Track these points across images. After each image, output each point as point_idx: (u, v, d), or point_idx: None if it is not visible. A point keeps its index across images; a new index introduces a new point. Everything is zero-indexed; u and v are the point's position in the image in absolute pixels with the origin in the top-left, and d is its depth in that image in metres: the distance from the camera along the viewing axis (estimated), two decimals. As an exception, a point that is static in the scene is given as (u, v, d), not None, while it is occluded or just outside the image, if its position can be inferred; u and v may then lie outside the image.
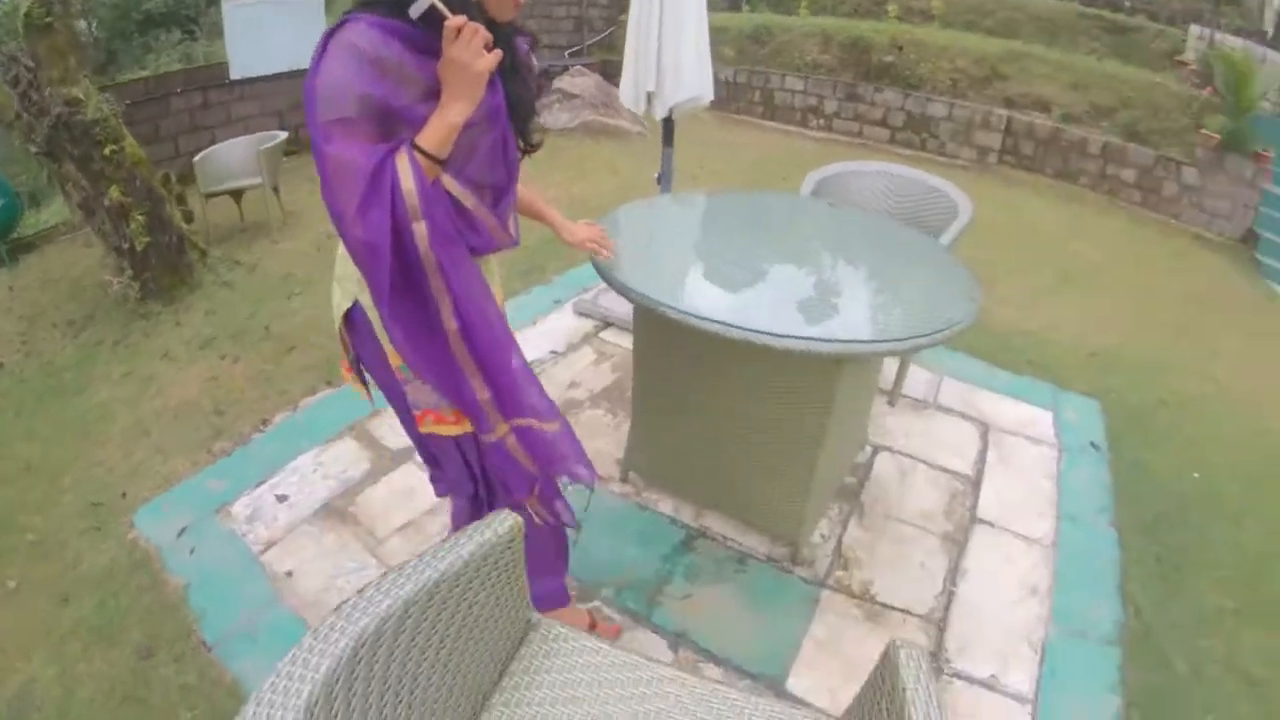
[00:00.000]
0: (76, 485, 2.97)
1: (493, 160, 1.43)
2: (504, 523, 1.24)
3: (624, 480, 2.54)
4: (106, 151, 3.95)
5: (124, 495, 2.83)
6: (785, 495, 2.08)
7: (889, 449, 2.79)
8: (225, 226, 5.66)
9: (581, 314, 3.74)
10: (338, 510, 2.43)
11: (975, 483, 2.66)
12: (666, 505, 2.46)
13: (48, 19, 3.86)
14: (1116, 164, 6.57)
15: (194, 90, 7.04)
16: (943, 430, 2.95)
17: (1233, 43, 7.32)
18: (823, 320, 1.82)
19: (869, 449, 2.77)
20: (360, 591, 1.04)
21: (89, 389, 3.71)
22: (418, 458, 2.54)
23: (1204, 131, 6.17)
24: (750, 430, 2.07)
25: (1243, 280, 5.48)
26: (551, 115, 8.03)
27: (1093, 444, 2.99)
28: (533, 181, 1.92)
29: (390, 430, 2.82)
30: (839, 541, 2.33)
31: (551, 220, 1.89)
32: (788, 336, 1.60)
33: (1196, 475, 2.99)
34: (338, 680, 0.93)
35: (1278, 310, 5.14)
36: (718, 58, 8.33)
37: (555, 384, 3.12)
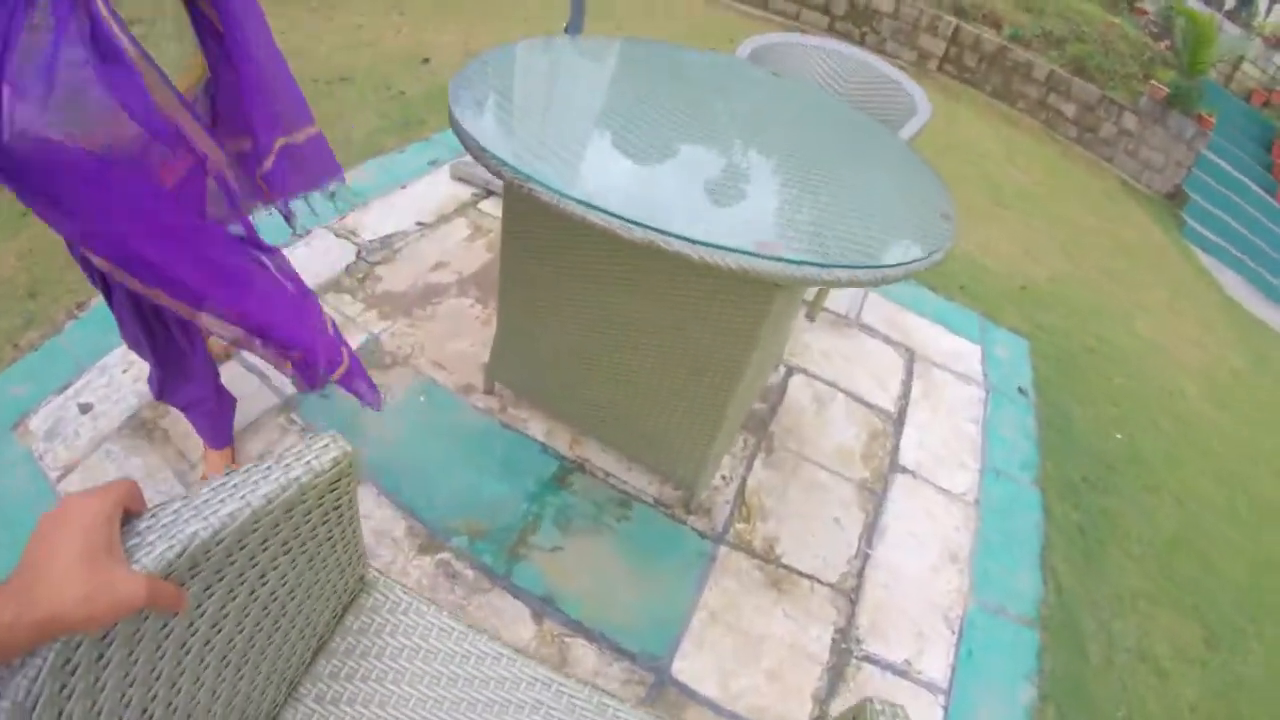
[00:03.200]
0: None
1: None
2: (323, 455, 0.80)
3: (489, 392, 1.98)
4: None
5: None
6: (687, 432, 1.57)
7: (805, 371, 2.35)
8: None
9: (459, 179, 2.99)
10: (146, 424, 1.82)
11: (898, 421, 2.27)
12: (538, 427, 1.93)
13: None
14: (1060, 96, 6.24)
15: None
16: (866, 354, 2.53)
17: (1192, 4, 7.05)
18: (760, 228, 1.26)
19: (782, 369, 2.32)
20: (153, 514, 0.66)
21: None
22: (245, 356, 1.96)
23: (1154, 83, 5.91)
24: (649, 348, 1.52)
25: (1165, 236, 5.34)
26: None
27: (1020, 389, 2.67)
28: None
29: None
30: (742, 484, 1.89)
31: None
32: (714, 246, 1.08)
33: (1119, 436, 2.76)
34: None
35: (1196, 270, 5.05)
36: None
37: (417, 263, 2.48)
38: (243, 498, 0.71)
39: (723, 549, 1.73)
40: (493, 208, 2.82)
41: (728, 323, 1.35)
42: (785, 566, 1.73)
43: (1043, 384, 2.78)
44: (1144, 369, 3.30)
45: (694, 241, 1.07)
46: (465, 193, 2.89)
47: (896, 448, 2.16)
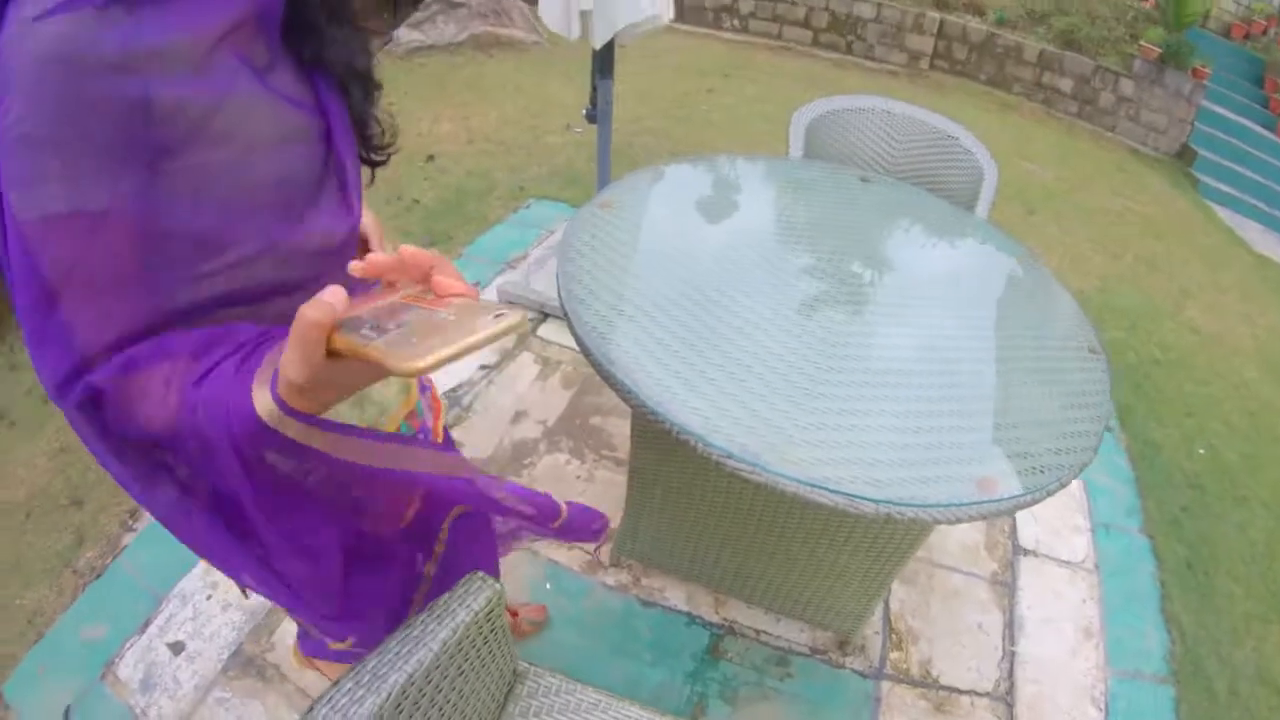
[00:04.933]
0: None
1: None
2: (479, 595, 0.99)
3: (615, 565, 1.99)
4: None
5: (-15, 650, 2.07)
6: (845, 594, 1.65)
7: None
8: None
9: (509, 301, 2.81)
10: (254, 662, 1.74)
11: (1007, 498, 2.33)
12: (677, 595, 1.93)
13: None
14: (1053, 73, 6.26)
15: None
16: None
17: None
18: (919, 452, 1.15)
19: None
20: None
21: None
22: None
23: (1144, 44, 5.91)
24: (799, 533, 1.56)
25: (1184, 201, 5.35)
26: (435, 29, 6.97)
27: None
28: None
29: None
30: (886, 609, 1.96)
31: None
32: (859, 498, 1.05)
33: (1201, 451, 2.81)
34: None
35: (1222, 232, 5.06)
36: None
37: (495, 417, 2.39)
38: (425, 645, 0.90)
39: (884, 684, 1.79)
40: (554, 333, 2.76)
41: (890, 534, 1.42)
42: (944, 688, 1.80)
43: (1123, 414, 2.84)
44: (1208, 366, 3.34)
45: (854, 497, 1.05)
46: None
47: (1014, 528, 2.23)
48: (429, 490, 0.89)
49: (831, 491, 1.04)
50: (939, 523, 1.06)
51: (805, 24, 7.10)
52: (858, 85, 6.09)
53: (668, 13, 2.47)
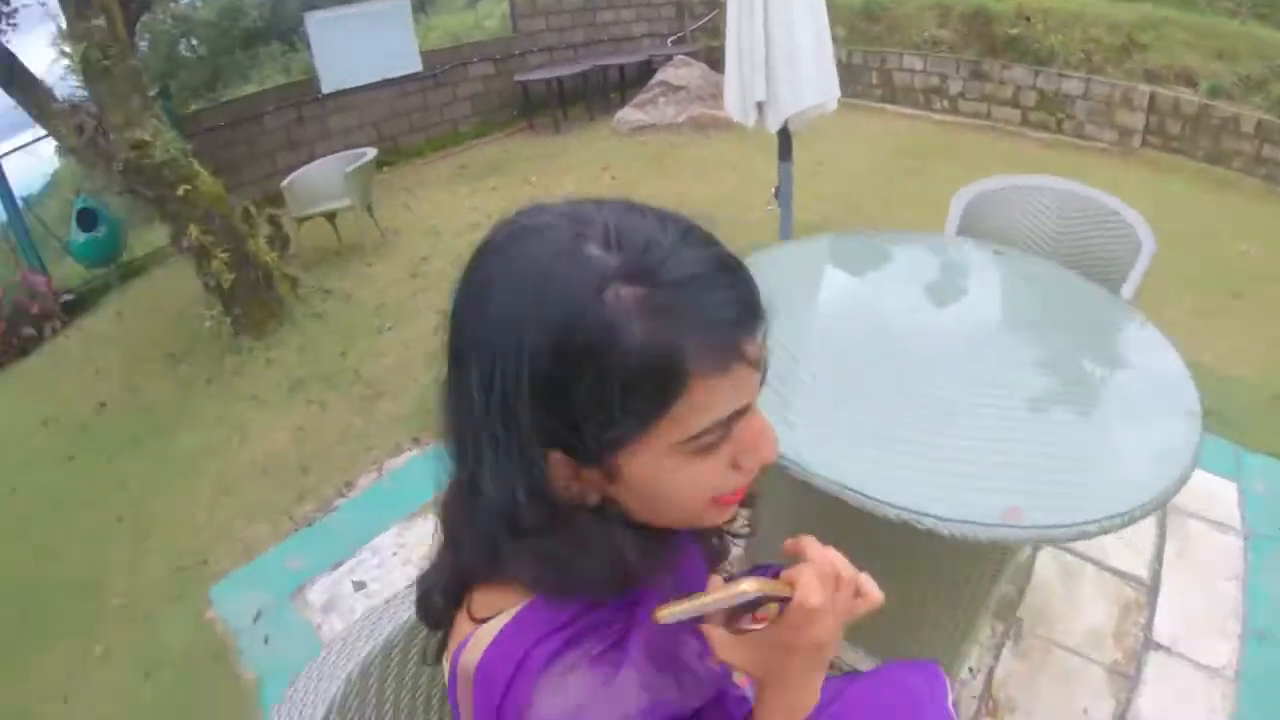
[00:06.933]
0: (163, 546, 2.99)
1: None
2: None
3: None
4: (180, 192, 3.87)
5: (205, 562, 2.82)
6: (933, 638, 1.71)
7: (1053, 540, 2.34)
8: (322, 248, 5.65)
9: None
10: None
11: (1152, 589, 2.20)
12: None
13: (104, 62, 3.72)
14: (1273, 144, 5.64)
15: (288, 107, 7.11)
16: None
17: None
18: (1001, 485, 1.31)
19: (1029, 544, 2.33)
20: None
21: (181, 434, 3.73)
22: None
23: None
24: (890, 566, 1.66)
25: None
26: (657, 110, 7.69)
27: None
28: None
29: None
30: (989, 675, 1.94)
31: None
32: (963, 522, 1.21)
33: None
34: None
35: None
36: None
37: None
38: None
39: (971, 750, 1.79)
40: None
41: (973, 563, 1.50)
42: (1038, 767, 1.76)
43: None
44: None
45: (945, 519, 1.21)
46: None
47: (1150, 622, 2.10)
48: None
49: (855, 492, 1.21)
50: (955, 538, 1.19)
51: (1014, 103, 7.02)
52: (1065, 165, 5.84)
53: (832, 101, 2.74)
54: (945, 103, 7.52)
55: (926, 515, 1.21)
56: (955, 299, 2.01)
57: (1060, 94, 6.67)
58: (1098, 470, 1.38)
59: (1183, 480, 1.30)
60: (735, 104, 2.72)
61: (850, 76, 7.91)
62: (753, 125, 2.74)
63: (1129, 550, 2.30)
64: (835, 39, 7.59)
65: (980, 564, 1.54)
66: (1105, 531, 1.22)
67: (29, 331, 5.40)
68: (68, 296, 5.80)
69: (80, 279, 6.17)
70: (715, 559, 0.84)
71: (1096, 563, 2.27)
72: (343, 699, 0.97)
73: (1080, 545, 2.31)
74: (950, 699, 1.02)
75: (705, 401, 0.56)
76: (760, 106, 2.69)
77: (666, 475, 0.59)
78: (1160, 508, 1.27)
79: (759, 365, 0.60)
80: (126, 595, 2.82)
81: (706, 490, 0.62)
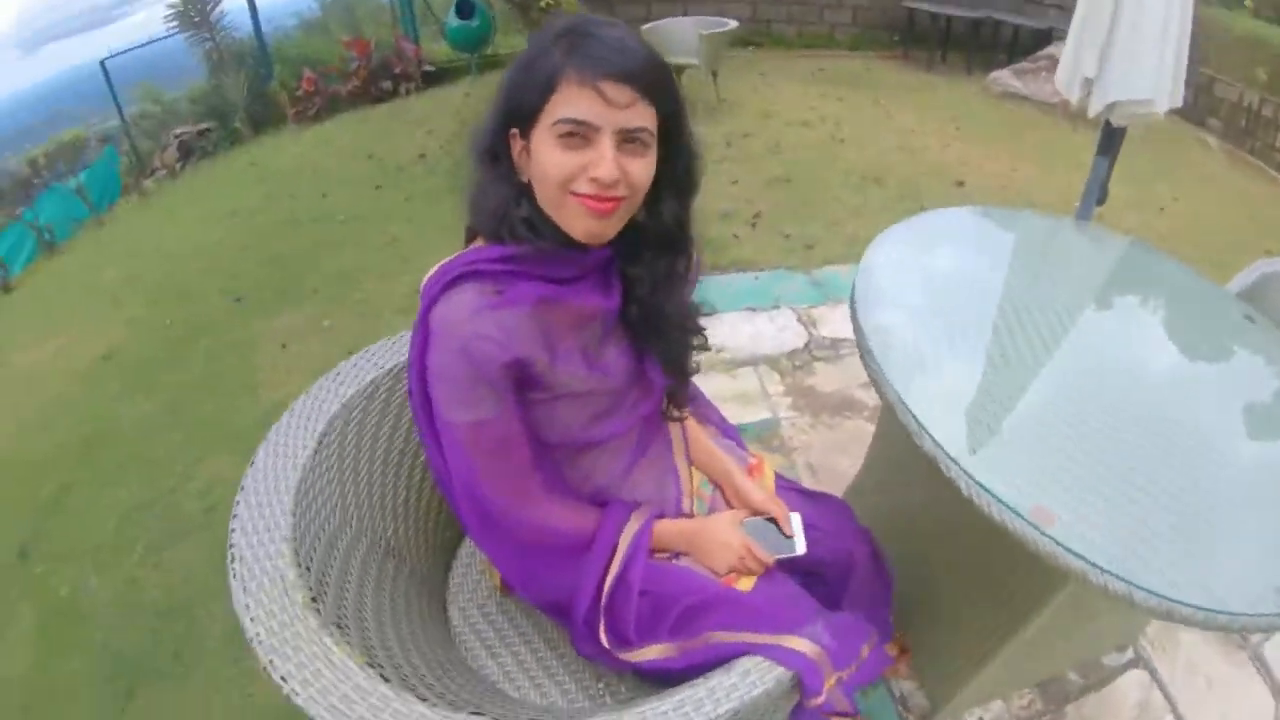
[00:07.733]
0: (418, 269, 3.59)
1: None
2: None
3: None
4: (543, 4, 4.27)
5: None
6: (958, 642, 1.68)
7: (1152, 671, 2.01)
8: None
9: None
10: None
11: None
12: None
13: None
14: None
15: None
16: (1233, 688, 2.02)
17: None
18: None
19: (1128, 655, 2.09)
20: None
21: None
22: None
23: None
24: (953, 566, 1.67)
25: None
26: (1036, 83, 7.08)
27: None
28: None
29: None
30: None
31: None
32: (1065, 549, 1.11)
33: None
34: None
35: None
36: (1241, 77, 6.47)
37: (851, 375, 2.63)
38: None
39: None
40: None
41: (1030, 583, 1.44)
42: None
43: None
44: None
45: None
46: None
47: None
48: None
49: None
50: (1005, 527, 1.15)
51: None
52: None
53: (1165, 105, 2.46)
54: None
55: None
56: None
57: None
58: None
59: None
60: (1065, 74, 2.55)
61: (1254, 128, 6.64)
62: (1075, 101, 2.57)
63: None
64: (1253, 81, 6.32)
65: (1029, 579, 1.45)
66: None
67: (386, 85, 6.53)
68: (429, 68, 6.82)
69: (446, 58, 7.16)
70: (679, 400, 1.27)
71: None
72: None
73: (1181, 691, 1.99)
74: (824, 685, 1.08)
75: (566, 99, 0.90)
76: (1087, 85, 2.50)
77: (543, 153, 0.93)
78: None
79: (616, 105, 0.89)
80: (368, 295, 3.47)
81: (563, 172, 0.92)
